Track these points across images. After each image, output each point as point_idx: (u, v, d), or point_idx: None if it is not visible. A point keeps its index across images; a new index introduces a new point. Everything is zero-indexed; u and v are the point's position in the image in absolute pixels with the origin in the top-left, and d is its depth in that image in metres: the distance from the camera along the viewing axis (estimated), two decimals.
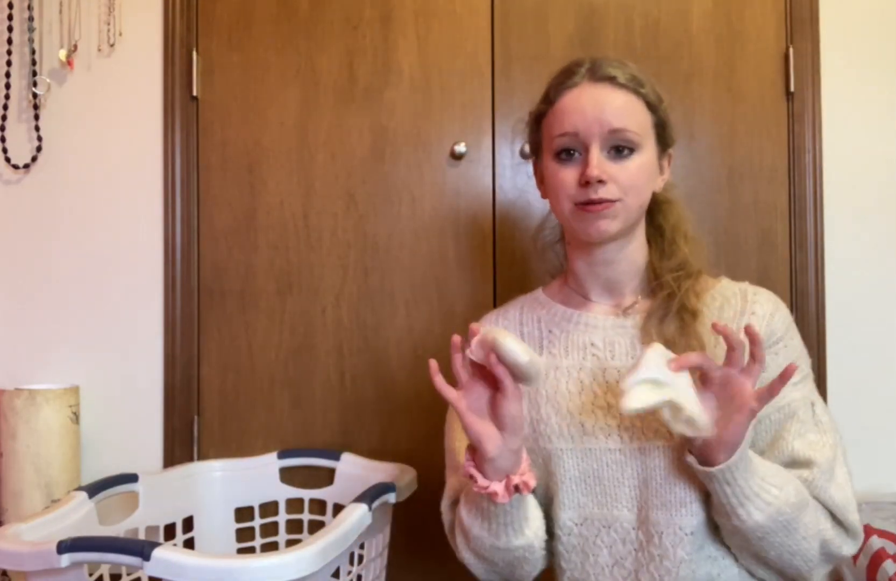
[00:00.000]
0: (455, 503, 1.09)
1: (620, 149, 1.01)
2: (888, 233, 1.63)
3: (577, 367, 1.07)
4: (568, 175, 1.02)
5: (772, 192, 1.64)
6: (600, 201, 0.99)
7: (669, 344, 0.97)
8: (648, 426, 1.00)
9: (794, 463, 0.99)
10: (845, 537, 0.99)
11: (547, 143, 1.06)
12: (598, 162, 1.00)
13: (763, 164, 1.64)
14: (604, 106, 1.01)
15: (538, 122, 1.09)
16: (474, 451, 0.95)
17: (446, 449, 1.13)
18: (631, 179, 1.01)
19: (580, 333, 1.09)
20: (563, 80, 1.04)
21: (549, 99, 1.06)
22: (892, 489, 1.57)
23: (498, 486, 0.93)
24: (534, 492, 1.04)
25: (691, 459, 0.93)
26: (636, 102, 1.03)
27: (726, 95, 1.64)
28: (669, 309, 1.03)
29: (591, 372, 1.06)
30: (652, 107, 1.04)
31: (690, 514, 0.98)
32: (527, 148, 1.30)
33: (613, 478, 1.02)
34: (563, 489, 1.05)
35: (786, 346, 1.03)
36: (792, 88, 1.63)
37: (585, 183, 1.00)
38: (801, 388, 1.02)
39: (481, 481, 0.94)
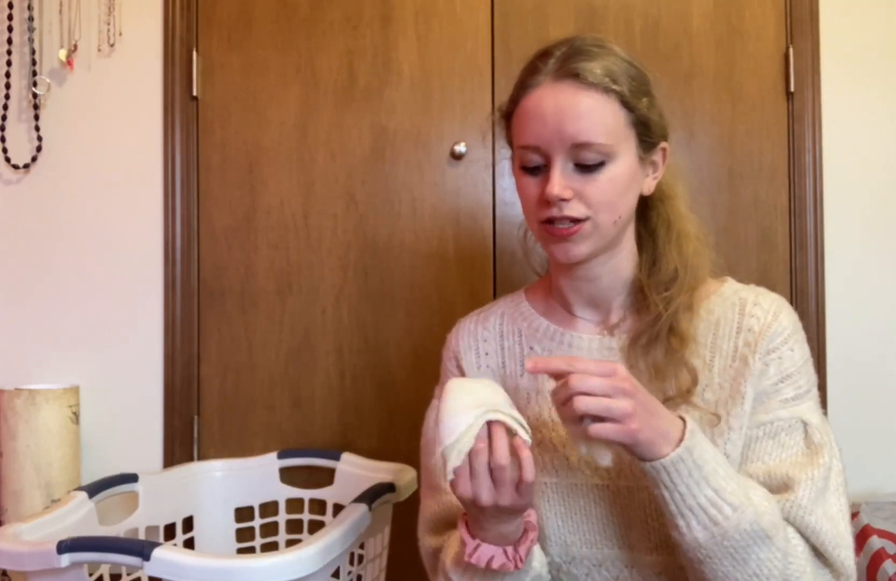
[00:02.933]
0: (434, 530, 0.98)
1: (587, 163, 0.88)
2: (888, 232, 1.63)
3: None
4: (532, 189, 0.91)
5: (772, 192, 1.64)
6: (565, 220, 0.88)
7: (656, 371, 0.89)
8: (637, 464, 0.85)
9: (768, 485, 0.86)
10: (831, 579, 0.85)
11: (515, 148, 0.95)
12: (561, 178, 0.87)
13: (763, 164, 1.64)
14: (564, 116, 0.87)
15: (508, 120, 0.96)
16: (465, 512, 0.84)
17: (423, 468, 1.03)
18: (601, 195, 0.88)
19: (563, 354, 0.97)
20: (526, 78, 0.92)
21: (514, 98, 0.94)
22: (892, 489, 1.57)
23: (498, 554, 0.82)
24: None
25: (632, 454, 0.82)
26: (607, 103, 0.87)
27: (726, 95, 1.64)
28: (656, 332, 0.91)
29: None
30: (628, 104, 0.89)
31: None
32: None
33: (601, 515, 0.93)
34: (548, 525, 0.95)
35: (780, 357, 0.90)
36: (792, 88, 1.63)
37: (547, 201, 0.88)
38: (791, 407, 0.89)
39: (483, 554, 0.82)
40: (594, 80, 0.87)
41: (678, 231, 0.96)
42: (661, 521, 0.89)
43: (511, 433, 0.78)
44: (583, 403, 0.75)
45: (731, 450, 0.89)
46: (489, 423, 0.77)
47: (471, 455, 0.77)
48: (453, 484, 0.79)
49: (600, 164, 0.87)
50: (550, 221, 0.89)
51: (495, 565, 0.83)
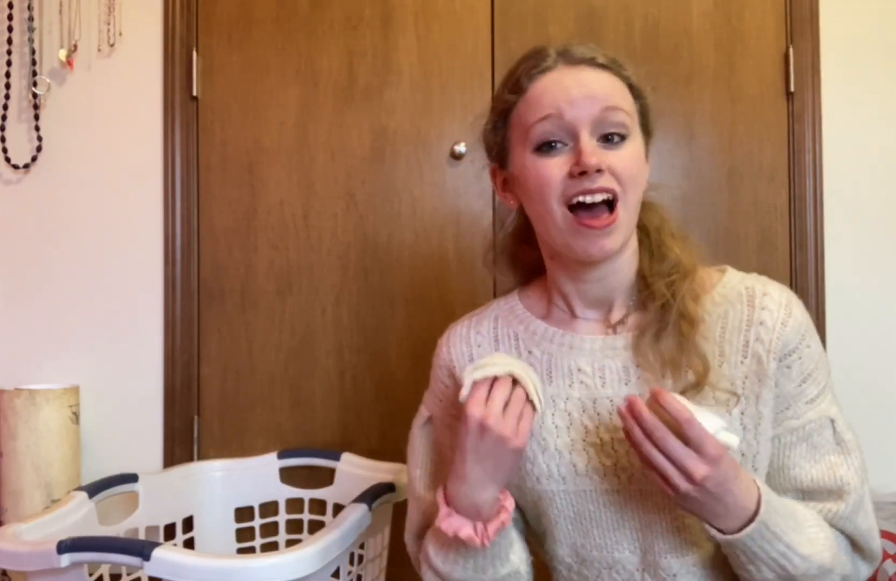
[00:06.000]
0: (418, 535, 1.01)
1: (610, 137, 0.86)
2: (888, 232, 1.63)
3: (563, 397, 0.93)
4: (554, 169, 0.86)
5: (772, 192, 1.64)
6: (597, 192, 0.84)
7: (667, 361, 0.88)
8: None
9: (814, 493, 0.89)
10: (861, 563, 0.91)
11: (520, 137, 0.90)
12: (592, 148, 0.84)
13: (763, 164, 1.64)
14: (591, 84, 0.86)
15: (505, 117, 0.93)
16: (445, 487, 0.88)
17: (409, 479, 1.05)
18: (629, 169, 0.86)
19: (564, 356, 0.94)
20: (535, 64, 0.89)
21: (520, 87, 0.90)
22: (892, 489, 1.57)
23: (467, 526, 0.85)
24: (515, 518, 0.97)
25: (705, 525, 0.83)
26: (621, 84, 0.89)
27: (726, 95, 1.64)
28: (665, 321, 0.89)
29: (579, 403, 0.92)
30: (635, 90, 0.91)
31: (700, 560, 0.90)
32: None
33: (612, 520, 0.91)
34: (558, 528, 0.95)
35: (800, 358, 0.89)
36: (792, 88, 1.63)
37: (580, 173, 0.84)
38: (817, 406, 0.89)
39: (453, 523, 0.86)
40: (606, 63, 0.89)
41: (668, 229, 0.96)
42: (677, 524, 0.89)
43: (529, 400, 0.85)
44: (645, 452, 0.78)
45: (746, 448, 0.89)
46: (514, 378, 0.85)
47: (495, 383, 0.84)
48: (468, 402, 0.84)
49: (622, 138, 0.87)
50: (581, 208, 0.85)
51: (462, 535, 0.85)
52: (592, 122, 0.86)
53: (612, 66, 0.89)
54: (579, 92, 0.86)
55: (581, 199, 0.85)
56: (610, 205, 0.86)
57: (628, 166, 0.86)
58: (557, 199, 0.86)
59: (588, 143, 0.85)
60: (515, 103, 0.91)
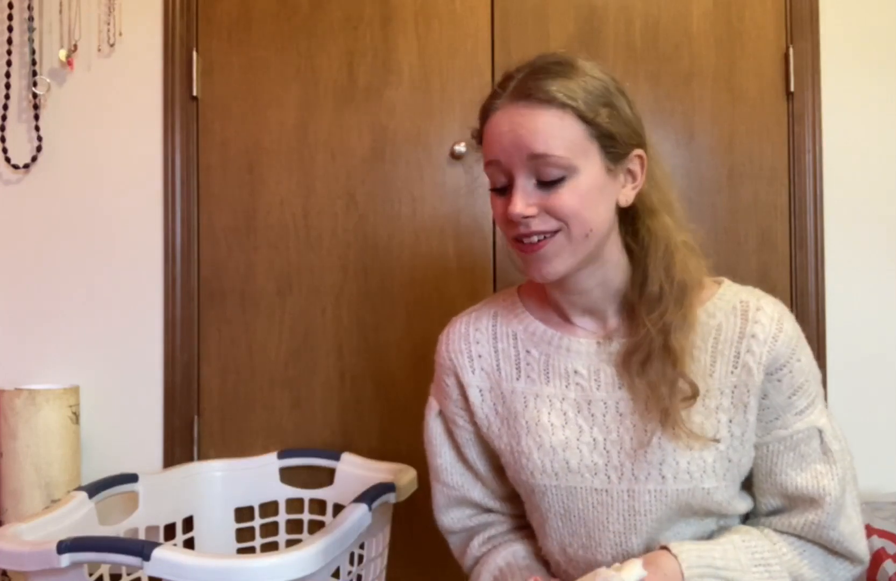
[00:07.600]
0: (446, 509, 1.08)
1: (547, 179, 0.87)
2: (888, 232, 1.63)
3: (559, 397, 0.96)
4: (500, 208, 0.91)
5: (772, 192, 1.64)
6: (533, 234, 0.88)
7: (653, 389, 0.90)
8: (640, 467, 0.91)
9: (797, 499, 0.93)
10: (841, 569, 0.94)
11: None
12: (524, 195, 0.87)
13: (763, 164, 1.64)
14: (520, 131, 0.86)
15: (480, 143, 0.97)
16: None
17: (431, 466, 1.08)
18: (566, 208, 0.86)
19: (562, 358, 0.97)
20: (490, 102, 0.92)
21: (480, 122, 0.95)
22: (892, 489, 1.57)
23: None
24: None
25: None
26: (563, 118, 0.86)
27: (726, 95, 1.64)
28: (648, 352, 0.91)
29: (575, 403, 0.95)
30: (585, 118, 0.86)
31: None
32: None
33: (598, 520, 0.94)
34: (548, 523, 0.98)
35: (790, 371, 0.91)
36: (792, 88, 1.63)
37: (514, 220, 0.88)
38: (806, 417, 0.92)
39: None
40: (546, 98, 0.86)
41: (666, 246, 0.93)
42: (662, 529, 0.92)
43: None
44: None
45: (732, 454, 0.91)
46: None
47: None
48: None
49: (561, 179, 0.86)
50: (520, 238, 0.89)
51: None
52: (525, 167, 0.87)
53: (556, 100, 0.85)
54: (510, 138, 0.87)
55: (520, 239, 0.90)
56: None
57: (567, 204, 0.86)
58: (504, 233, 0.93)
59: (519, 191, 0.88)
60: (481, 139, 0.95)
